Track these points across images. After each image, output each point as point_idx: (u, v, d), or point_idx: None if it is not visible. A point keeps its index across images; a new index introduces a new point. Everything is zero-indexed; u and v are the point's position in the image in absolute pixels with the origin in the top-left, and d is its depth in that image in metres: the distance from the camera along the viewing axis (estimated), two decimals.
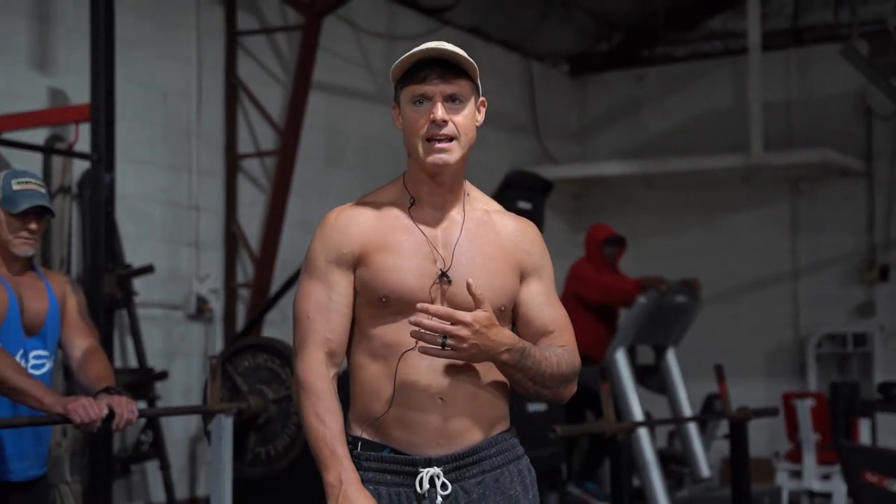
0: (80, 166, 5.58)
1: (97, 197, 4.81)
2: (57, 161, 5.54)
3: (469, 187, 2.44)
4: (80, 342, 3.55)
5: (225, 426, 3.91)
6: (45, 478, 3.60)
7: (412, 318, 2.19)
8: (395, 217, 2.34)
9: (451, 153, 2.29)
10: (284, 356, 4.32)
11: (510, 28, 9.26)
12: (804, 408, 7.94)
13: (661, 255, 9.26)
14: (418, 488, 2.26)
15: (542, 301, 2.42)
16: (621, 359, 6.89)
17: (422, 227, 2.33)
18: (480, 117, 2.36)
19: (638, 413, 6.75)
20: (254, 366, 4.35)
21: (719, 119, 9.64)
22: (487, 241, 2.37)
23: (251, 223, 6.98)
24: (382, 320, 2.30)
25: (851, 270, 9.44)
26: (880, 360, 9.11)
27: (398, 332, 2.27)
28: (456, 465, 2.28)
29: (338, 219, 2.36)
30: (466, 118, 2.30)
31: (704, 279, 7.62)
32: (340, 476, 2.21)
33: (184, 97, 6.63)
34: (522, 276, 2.40)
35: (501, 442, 2.35)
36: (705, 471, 7.20)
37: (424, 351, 2.20)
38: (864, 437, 7.49)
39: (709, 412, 7.72)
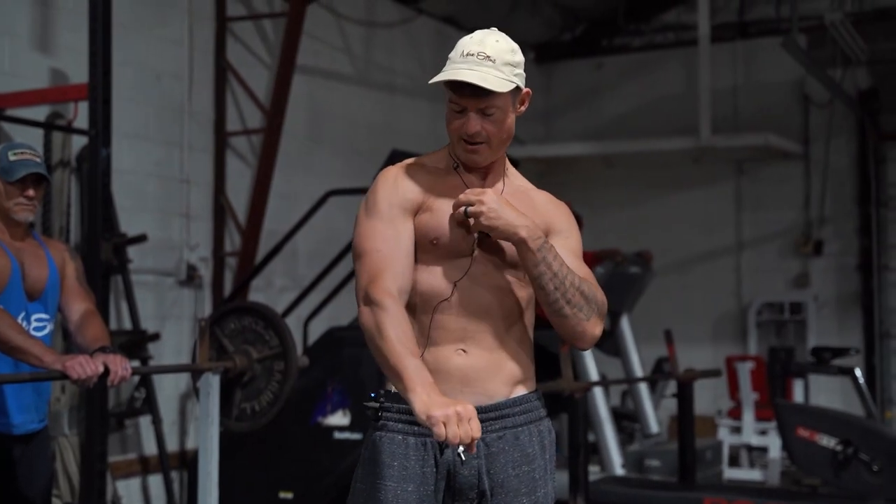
0: (78, 142, 5.52)
1: (94, 170, 4.76)
2: (57, 136, 5.47)
3: (509, 167, 2.45)
4: (78, 306, 3.52)
5: (213, 383, 3.89)
6: (45, 430, 3.57)
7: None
8: (446, 175, 2.35)
9: (481, 155, 2.30)
10: (268, 319, 4.29)
11: (481, 17, 9.17)
12: (745, 369, 8.01)
13: (618, 229, 9.28)
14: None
15: (566, 258, 2.33)
16: None
17: (468, 185, 2.33)
18: (523, 108, 2.33)
19: (594, 373, 6.78)
20: (239, 328, 4.32)
21: (671, 104, 9.65)
22: (521, 207, 2.32)
23: (238, 196, 6.93)
24: (426, 265, 2.27)
25: (789, 245, 9.50)
26: (813, 327, 9.19)
27: (435, 279, 2.25)
28: (479, 418, 2.13)
29: (399, 172, 2.34)
30: (498, 125, 2.26)
31: (656, 251, 7.66)
32: (428, 389, 2.01)
33: (176, 78, 6.55)
34: (548, 235, 2.35)
35: (525, 402, 2.30)
36: (654, 427, 7.25)
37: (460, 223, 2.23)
38: (798, 396, 7.57)
39: (658, 373, 7.77)
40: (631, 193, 9.90)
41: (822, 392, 8.50)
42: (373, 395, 2.29)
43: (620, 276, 7.09)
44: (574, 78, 10.36)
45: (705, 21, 8.59)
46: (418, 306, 2.25)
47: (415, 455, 2.22)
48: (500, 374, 2.27)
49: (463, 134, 2.26)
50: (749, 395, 8.00)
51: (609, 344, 7.56)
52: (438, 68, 2.31)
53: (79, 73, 5.25)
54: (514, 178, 2.45)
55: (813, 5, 8.72)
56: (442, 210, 2.28)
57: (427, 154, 2.45)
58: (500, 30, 2.34)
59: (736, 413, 8.19)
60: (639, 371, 7.35)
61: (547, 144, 10.04)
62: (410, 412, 2.10)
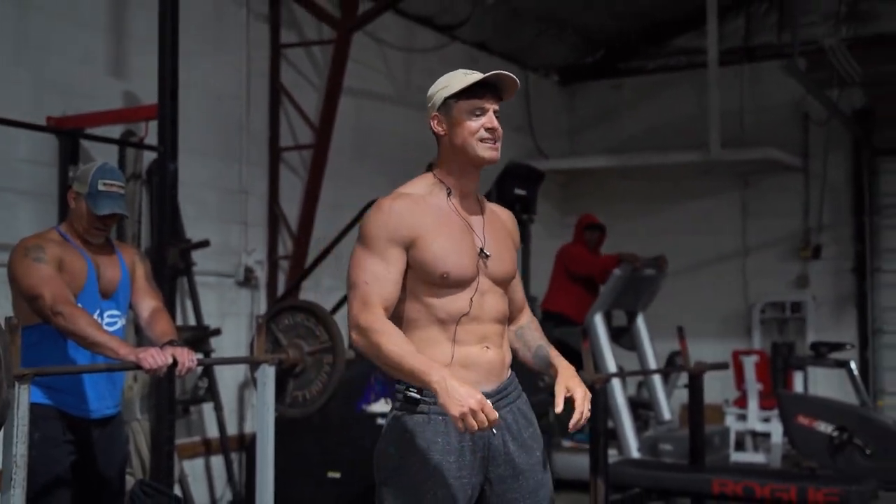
0: (148, 156, 5.57)
1: (163, 182, 4.80)
2: (130, 152, 5.53)
3: None
4: (148, 303, 3.54)
5: (269, 374, 3.91)
6: (119, 415, 3.60)
7: (572, 425, 2.42)
8: (439, 206, 2.44)
9: (499, 152, 2.47)
10: (318, 316, 4.31)
11: (510, 43, 9.20)
12: (749, 363, 7.95)
13: (635, 235, 9.22)
14: None
15: (517, 278, 2.64)
16: (599, 321, 6.90)
17: (462, 213, 2.47)
18: None
19: (612, 366, 6.76)
20: (292, 324, 4.33)
21: (684, 122, 9.59)
22: (498, 226, 2.54)
23: (290, 205, 6.96)
24: (440, 292, 2.39)
25: (790, 249, 9.42)
26: (812, 324, 9.12)
27: (455, 302, 2.39)
28: (498, 396, 2.43)
29: (393, 206, 2.41)
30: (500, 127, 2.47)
31: (670, 255, 7.61)
32: (442, 373, 2.21)
33: (235, 99, 6.60)
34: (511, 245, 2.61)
35: (515, 380, 2.53)
36: (667, 415, 7.22)
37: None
38: (798, 387, 7.50)
39: (671, 366, 7.72)
40: (647, 203, 9.86)
41: (820, 383, 8.41)
42: (412, 386, 2.37)
43: (637, 278, 7.06)
44: (595, 98, 10.33)
45: (714, 46, 8.53)
46: (442, 321, 2.40)
47: (455, 433, 2.35)
48: (504, 362, 2.49)
49: (486, 132, 2.41)
50: (754, 386, 7.94)
51: (626, 339, 7.53)
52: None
53: (149, 95, 5.30)
54: (481, 196, 2.60)
55: (812, 31, 8.65)
56: (442, 249, 2.38)
57: (408, 184, 2.51)
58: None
59: (742, 402, 8.13)
60: (653, 364, 7.31)
61: (570, 158, 10.02)
62: None
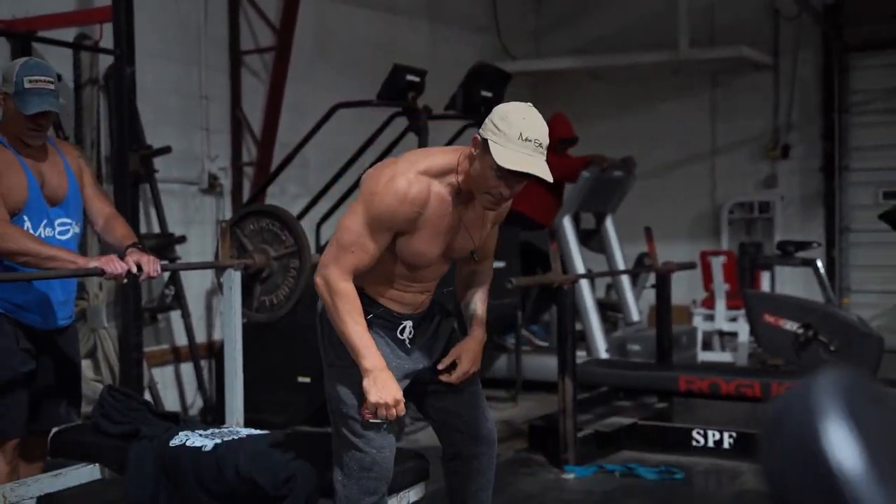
0: (105, 61, 5.44)
1: (120, 87, 4.70)
2: (85, 56, 5.40)
3: None
4: (101, 208, 3.44)
5: (234, 279, 3.91)
6: (73, 325, 3.55)
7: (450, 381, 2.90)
8: (443, 200, 2.66)
9: (499, 207, 2.72)
10: (284, 220, 4.28)
11: None
12: (717, 263, 8.05)
13: (604, 137, 9.19)
14: (399, 334, 2.84)
15: (491, 236, 2.95)
16: (567, 224, 6.92)
17: (461, 212, 2.71)
18: None
19: (581, 268, 6.81)
20: (258, 229, 4.31)
21: (653, 21, 9.48)
22: (476, 218, 2.78)
23: (253, 110, 6.86)
24: (406, 266, 2.74)
25: (759, 149, 9.45)
26: (780, 224, 9.21)
27: (415, 273, 2.77)
28: (420, 317, 2.90)
29: (407, 194, 2.60)
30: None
31: (639, 157, 7.62)
32: (376, 362, 2.63)
33: (193, 1, 6.43)
34: (493, 223, 2.92)
35: (434, 305, 2.96)
36: (635, 315, 7.32)
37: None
38: (765, 286, 7.61)
39: (639, 266, 7.79)
40: (615, 104, 9.81)
41: (787, 282, 8.55)
42: None
43: (605, 180, 7.06)
44: None
45: None
46: (400, 275, 2.77)
47: (389, 336, 2.83)
48: (430, 298, 2.92)
49: (497, 193, 2.58)
50: (721, 286, 8.05)
51: (595, 242, 7.57)
52: None
53: None
54: None
55: None
56: (426, 245, 2.69)
57: (435, 156, 2.70)
58: None
59: (709, 302, 8.26)
60: (622, 266, 7.38)
61: (538, 59, 9.90)
62: (379, 315, 2.79)
